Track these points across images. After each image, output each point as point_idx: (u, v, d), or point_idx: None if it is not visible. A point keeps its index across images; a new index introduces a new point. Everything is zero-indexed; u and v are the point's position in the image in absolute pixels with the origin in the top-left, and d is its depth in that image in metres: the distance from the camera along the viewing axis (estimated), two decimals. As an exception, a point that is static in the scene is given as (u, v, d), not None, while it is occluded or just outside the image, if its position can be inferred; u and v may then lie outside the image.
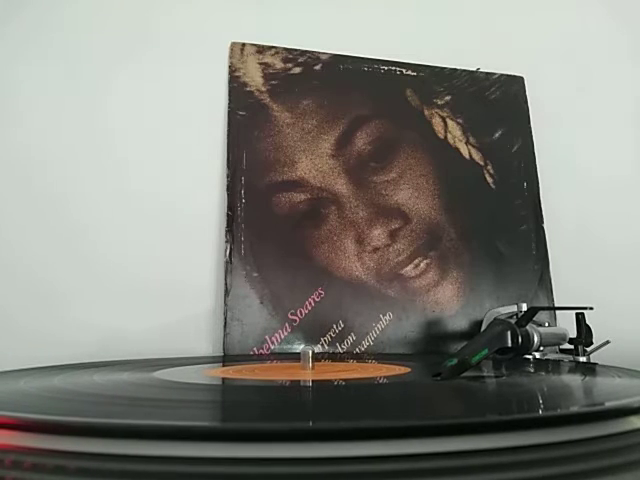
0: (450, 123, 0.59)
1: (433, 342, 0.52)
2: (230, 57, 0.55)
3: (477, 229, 0.56)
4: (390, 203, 0.54)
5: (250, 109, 0.54)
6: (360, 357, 0.45)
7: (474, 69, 0.62)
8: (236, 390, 0.29)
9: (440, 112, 0.59)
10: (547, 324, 0.46)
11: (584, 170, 0.63)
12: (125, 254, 0.49)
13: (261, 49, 0.56)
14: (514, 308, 0.46)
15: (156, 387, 0.27)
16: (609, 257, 0.61)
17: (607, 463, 0.17)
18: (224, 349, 0.47)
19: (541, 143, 0.61)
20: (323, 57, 0.57)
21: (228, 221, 0.51)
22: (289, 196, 0.52)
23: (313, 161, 0.53)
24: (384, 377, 0.31)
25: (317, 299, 0.50)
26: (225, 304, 0.48)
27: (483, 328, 0.48)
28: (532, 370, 0.34)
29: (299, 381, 0.31)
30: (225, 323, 0.48)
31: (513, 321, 0.38)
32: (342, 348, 0.50)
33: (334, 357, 0.45)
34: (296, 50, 0.56)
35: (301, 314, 0.50)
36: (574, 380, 0.31)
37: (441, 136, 0.58)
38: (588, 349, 0.44)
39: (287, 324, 0.49)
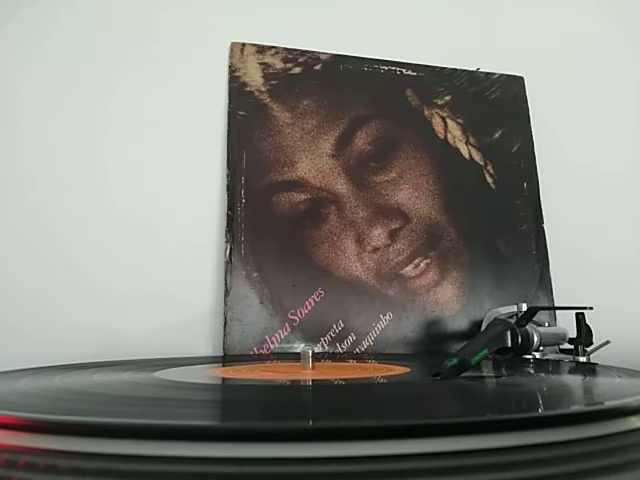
0: (450, 123, 0.59)
1: (433, 342, 0.52)
2: (230, 57, 0.55)
3: (477, 229, 0.56)
4: (390, 203, 0.54)
5: (250, 109, 0.54)
6: (360, 357, 0.45)
7: (474, 69, 0.62)
8: (236, 390, 0.29)
9: (440, 112, 0.59)
10: (547, 324, 0.46)
11: (584, 170, 0.63)
12: (125, 254, 0.49)
13: (261, 49, 0.56)
14: (514, 308, 0.46)
15: (157, 387, 0.27)
16: (609, 257, 0.61)
17: (607, 463, 0.17)
18: (224, 349, 0.47)
19: (541, 143, 0.61)
20: (323, 57, 0.57)
21: (228, 221, 0.51)
22: (289, 196, 0.52)
23: (313, 161, 0.53)
24: (384, 377, 0.31)
25: (317, 299, 0.50)
26: (225, 304, 0.48)
27: (483, 328, 0.48)
28: (532, 370, 0.34)
29: (299, 381, 0.31)
30: (225, 323, 0.48)
31: (513, 321, 0.38)
32: (342, 348, 0.50)
33: (334, 357, 0.45)
34: (296, 50, 0.56)
35: (301, 314, 0.50)
36: (574, 380, 0.31)
37: (441, 136, 0.58)
38: (588, 349, 0.44)
39: (287, 324, 0.49)
